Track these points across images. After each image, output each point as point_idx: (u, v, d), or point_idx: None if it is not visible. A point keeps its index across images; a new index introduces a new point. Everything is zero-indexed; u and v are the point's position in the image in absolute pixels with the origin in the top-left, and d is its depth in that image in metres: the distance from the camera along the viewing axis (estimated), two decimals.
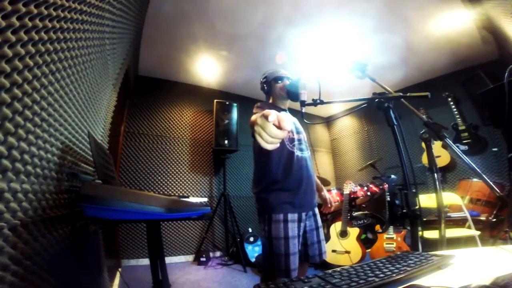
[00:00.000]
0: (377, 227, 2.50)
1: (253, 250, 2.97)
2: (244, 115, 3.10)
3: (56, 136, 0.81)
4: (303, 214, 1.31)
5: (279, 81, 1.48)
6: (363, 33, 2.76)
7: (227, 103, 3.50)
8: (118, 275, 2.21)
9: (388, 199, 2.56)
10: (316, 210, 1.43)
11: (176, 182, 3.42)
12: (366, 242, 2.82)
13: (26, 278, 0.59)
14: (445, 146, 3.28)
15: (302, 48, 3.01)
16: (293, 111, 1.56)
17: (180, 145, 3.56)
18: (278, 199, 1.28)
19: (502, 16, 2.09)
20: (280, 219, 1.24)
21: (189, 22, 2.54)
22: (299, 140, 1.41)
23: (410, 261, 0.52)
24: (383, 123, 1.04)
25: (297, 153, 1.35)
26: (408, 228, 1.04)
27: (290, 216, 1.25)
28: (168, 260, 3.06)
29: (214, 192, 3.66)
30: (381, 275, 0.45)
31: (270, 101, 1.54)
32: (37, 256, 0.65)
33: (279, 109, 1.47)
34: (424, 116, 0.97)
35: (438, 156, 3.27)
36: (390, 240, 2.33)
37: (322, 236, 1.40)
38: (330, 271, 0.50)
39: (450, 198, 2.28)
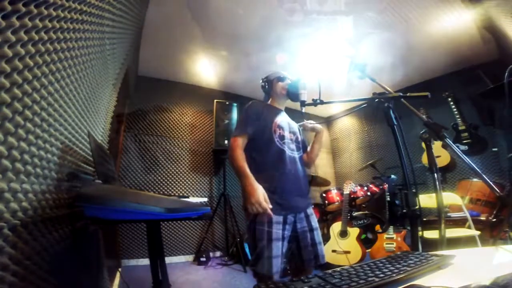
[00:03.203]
0: (377, 227, 2.50)
1: None
2: None
3: (56, 136, 0.81)
4: (290, 216, 1.28)
5: (280, 81, 1.49)
6: (363, 33, 2.76)
7: (227, 103, 3.49)
8: (118, 275, 2.21)
9: (388, 199, 2.56)
10: (310, 211, 1.38)
11: (176, 182, 3.41)
12: (366, 242, 2.82)
13: (26, 278, 0.59)
14: (445, 146, 3.28)
15: (302, 48, 3.01)
16: (292, 111, 1.56)
17: (180, 145, 3.56)
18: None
19: (502, 16, 2.09)
20: (264, 220, 1.21)
21: (189, 22, 2.54)
22: (291, 139, 1.40)
23: (410, 261, 0.52)
24: (383, 123, 1.04)
25: (288, 151, 1.34)
26: (408, 228, 1.04)
27: (274, 217, 1.21)
28: (168, 260, 3.06)
29: (214, 192, 3.66)
30: (381, 275, 0.45)
31: (269, 101, 1.54)
32: (37, 256, 0.65)
33: (276, 110, 1.47)
34: (424, 116, 0.97)
35: (438, 156, 3.27)
36: (390, 240, 2.33)
37: (318, 239, 1.33)
38: (330, 271, 0.50)
39: (450, 198, 2.28)
